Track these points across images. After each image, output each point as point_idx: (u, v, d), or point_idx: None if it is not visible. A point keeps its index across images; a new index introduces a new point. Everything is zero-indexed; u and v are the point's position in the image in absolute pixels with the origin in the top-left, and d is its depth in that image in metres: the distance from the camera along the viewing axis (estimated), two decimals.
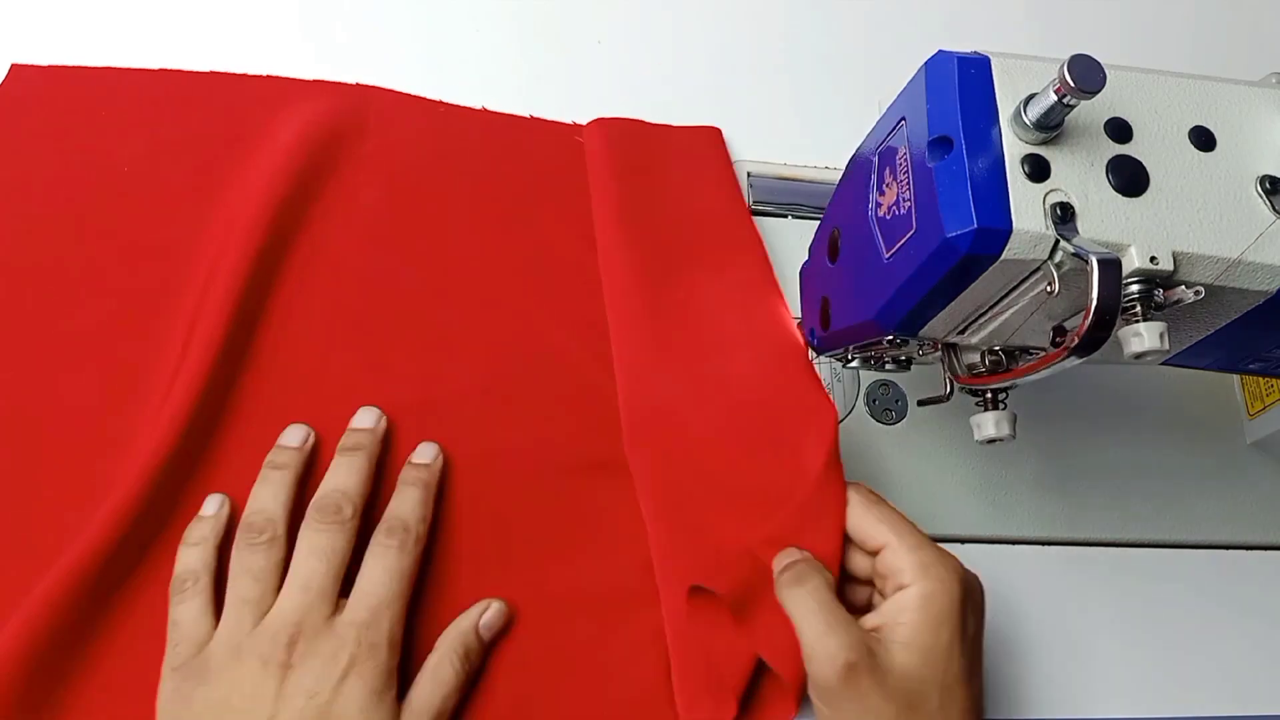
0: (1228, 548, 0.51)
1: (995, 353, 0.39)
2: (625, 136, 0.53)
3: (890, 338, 0.38)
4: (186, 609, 0.38)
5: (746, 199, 0.54)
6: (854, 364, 0.45)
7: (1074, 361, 0.32)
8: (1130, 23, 0.65)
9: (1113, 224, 0.31)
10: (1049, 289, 0.32)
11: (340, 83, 0.51)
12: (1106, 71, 0.29)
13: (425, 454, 0.43)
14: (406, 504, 0.41)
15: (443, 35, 0.55)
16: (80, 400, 0.42)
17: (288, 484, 0.41)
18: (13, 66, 0.49)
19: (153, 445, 0.40)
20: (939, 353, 0.41)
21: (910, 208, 0.34)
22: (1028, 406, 0.50)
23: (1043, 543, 0.49)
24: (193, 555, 0.39)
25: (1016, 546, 0.49)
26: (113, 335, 0.43)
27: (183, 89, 0.50)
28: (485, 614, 0.41)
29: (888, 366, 0.45)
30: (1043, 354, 0.36)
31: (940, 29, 0.62)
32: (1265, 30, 0.67)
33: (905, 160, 0.34)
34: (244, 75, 0.51)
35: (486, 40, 0.56)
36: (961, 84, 0.32)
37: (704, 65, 0.58)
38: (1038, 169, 0.31)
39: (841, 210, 0.42)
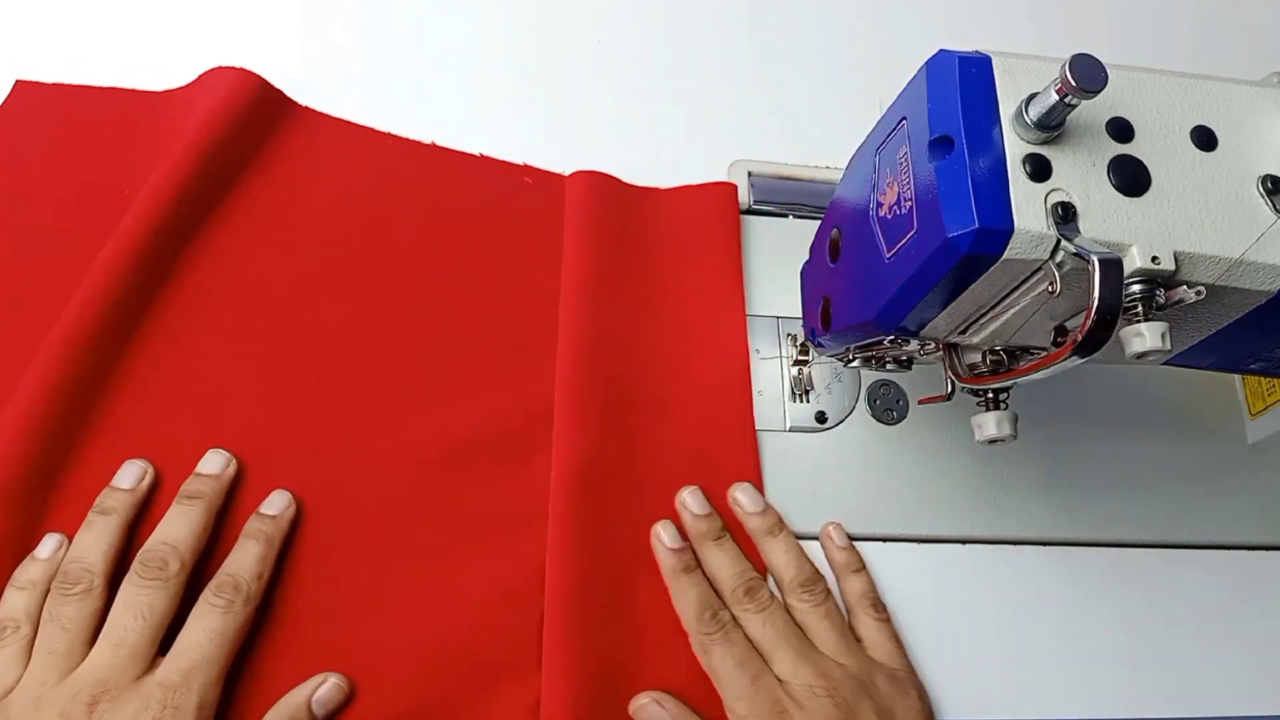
0: (1228, 548, 0.51)
1: (996, 353, 0.39)
2: (611, 196, 0.51)
3: (891, 338, 0.38)
4: (1, 655, 0.36)
5: (746, 199, 0.54)
6: (855, 364, 0.45)
7: (1075, 361, 0.32)
8: (1131, 22, 0.65)
9: (1114, 224, 0.31)
10: (1050, 289, 0.32)
11: (345, 122, 0.51)
12: (1108, 71, 0.29)
13: (275, 504, 0.41)
14: (244, 560, 0.39)
15: (443, 35, 0.55)
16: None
17: (112, 530, 0.39)
18: (17, 83, 0.48)
19: None
20: (940, 353, 0.41)
21: (911, 207, 0.33)
22: (1029, 406, 0.50)
23: (1043, 543, 0.49)
24: (18, 600, 0.38)
25: (1017, 547, 0.49)
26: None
27: (186, 108, 0.49)
28: (321, 688, 0.38)
29: (889, 366, 0.45)
30: (1044, 354, 0.35)
31: (941, 28, 0.62)
32: (1265, 30, 0.67)
33: (906, 160, 0.34)
34: (248, 100, 0.49)
35: (486, 40, 0.56)
36: (963, 83, 0.32)
37: (704, 65, 0.58)
38: (1039, 169, 0.31)
39: (842, 210, 0.42)
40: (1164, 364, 0.39)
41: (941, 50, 0.34)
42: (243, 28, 0.53)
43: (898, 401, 0.50)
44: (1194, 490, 0.51)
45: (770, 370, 0.50)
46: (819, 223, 0.45)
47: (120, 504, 0.40)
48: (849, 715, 0.39)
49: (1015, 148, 0.32)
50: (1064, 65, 0.29)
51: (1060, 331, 0.36)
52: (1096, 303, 0.30)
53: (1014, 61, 0.33)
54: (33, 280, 0.44)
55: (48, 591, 0.38)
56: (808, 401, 0.49)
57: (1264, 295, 0.33)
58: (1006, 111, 0.32)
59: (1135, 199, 0.32)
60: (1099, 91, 0.29)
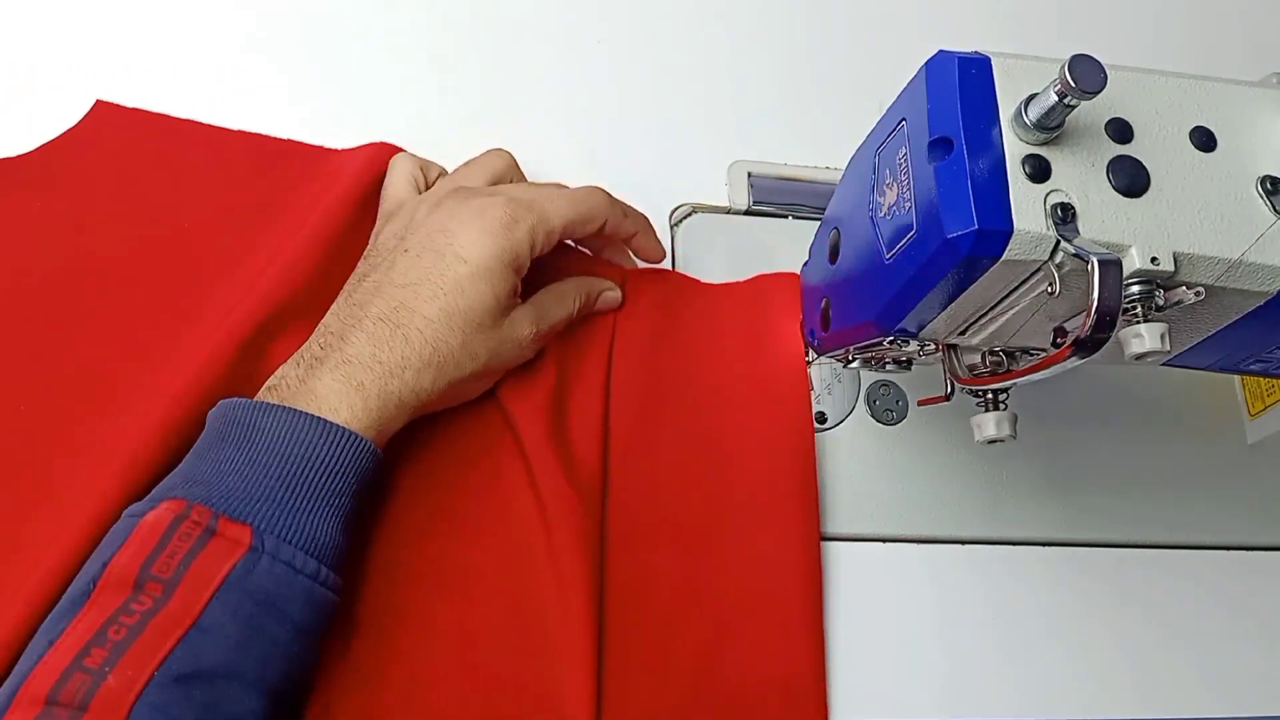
0: (1228, 548, 0.51)
1: (996, 353, 0.39)
2: (671, 293, 0.50)
3: (891, 338, 0.38)
4: (397, 173, 0.46)
5: (746, 199, 0.54)
6: (855, 364, 0.45)
7: (1075, 362, 0.32)
8: (1131, 23, 0.65)
9: (1113, 224, 0.31)
10: (1050, 290, 0.32)
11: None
12: (1107, 72, 0.29)
13: None
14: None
15: (442, 35, 0.55)
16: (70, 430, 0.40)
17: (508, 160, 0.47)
18: (97, 102, 0.47)
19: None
20: (940, 353, 0.41)
21: (911, 208, 0.34)
22: (1028, 407, 0.50)
23: (1043, 543, 0.49)
24: (401, 183, 0.46)
25: (1017, 547, 0.49)
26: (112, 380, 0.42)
27: (254, 150, 0.48)
28: (608, 290, 0.47)
29: (888, 367, 0.45)
30: (1044, 355, 0.36)
31: (941, 29, 0.62)
32: (1265, 30, 0.67)
33: (906, 161, 0.34)
34: (315, 148, 0.49)
35: (486, 40, 0.56)
36: (962, 84, 0.32)
37: (704, 65, 0.58)
38: (1038, 169, 0.31)
39: (842, 211, 0.42)
40: (1164, 364, 0.40)
41: (941, 51, 0.34)
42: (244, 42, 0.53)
43: (897, 402, 0.50)
44: (1194, 490, 0.51)
45: None
46: (819, 223, 0.45)
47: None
48: None
49: (1015, 149, 0.32)
50: (1063, 66, 0.29)
51: (1060, 332, 0.36)
52: (1096, 304, 0.30)
53: (1013, 62, 0.33)
54: (78, 306, 0.43)
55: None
56: None
57: (1263, 296, 0.33)
58: (1006, 112, 0.32)
59: (1134, 200, 0.32)
60: (1098, 92, 0.29)
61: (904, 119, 0.35)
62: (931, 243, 0.32)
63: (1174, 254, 0.31)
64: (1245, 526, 0.51)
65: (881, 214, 0.36)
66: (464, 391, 0.42)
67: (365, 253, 0.43)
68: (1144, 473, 0.51)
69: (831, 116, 0.57)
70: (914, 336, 0.38)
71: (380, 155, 0.48)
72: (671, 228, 0.53)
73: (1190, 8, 0.66)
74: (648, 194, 0.53)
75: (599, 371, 0.46)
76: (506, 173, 0.46)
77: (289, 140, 0.49)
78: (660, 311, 0.48)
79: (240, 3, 0.53)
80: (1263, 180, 0.33)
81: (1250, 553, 0.51)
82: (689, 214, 0.53)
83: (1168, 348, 0.31)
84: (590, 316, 0.47)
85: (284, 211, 0.47)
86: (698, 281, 0.50)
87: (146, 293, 0.44)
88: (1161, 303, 0.32)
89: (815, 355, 0.47)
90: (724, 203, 0.54)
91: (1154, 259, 0.31)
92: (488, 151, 0.47)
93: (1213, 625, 0.48)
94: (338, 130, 0.51)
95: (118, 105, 0.48)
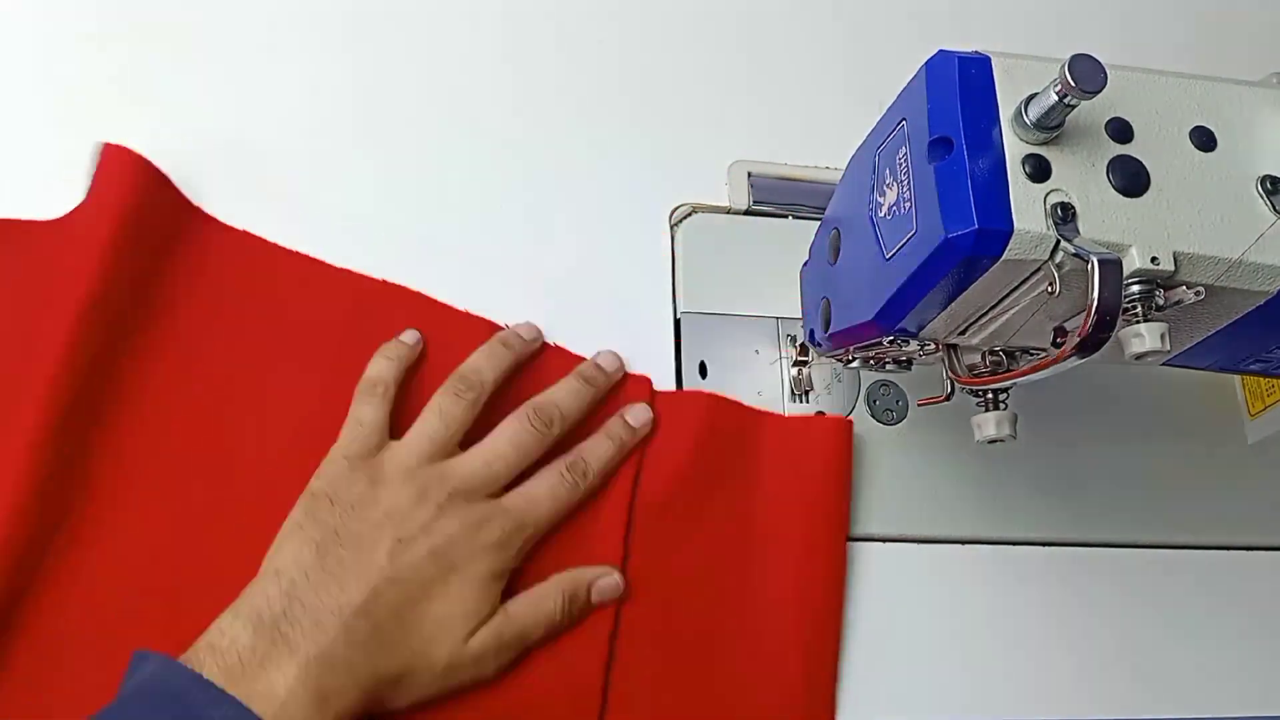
0: (1228, 548, 0.51)
1: (996, 353, 0.39)
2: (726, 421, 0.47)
3: (891, 338, 0.38)
4: (371, 411, 0.42)
5: (747, 199, 0.54)
6: (854, 364, 0.45)
7: (1075, 362, 0.32)
8: (1131, 23, 0.65)
9: (1113, 224, 0.31)
10: (1050, 289, 0.32)
11: (384, 283, 0.47)
12: (1107, 71, 0.29)
13: (638, 417, 0.45)
14: (598, 450, 0.44)
15: (442, 35, 0.55)
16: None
17: (509, 360, 0.44)
18: (105, 146, 0.45)
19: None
20: (940, 353, 0.41)
21: (910, 208, 0.34)
22: (1028, 406, 0.50)
23: (1043, 543, 0.49)
24: (385, 367, 0.43)
25: (1017, 547, 0.49)
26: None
27: (253, 256, 0.46)
28: (603, 579, 0.42)
29: (888, 367, 0.45)
30: (1044, 354, 0.36)
31: (941, 29, 0.62)
32: (1265, 30, 0.67)
33: (905, 160, 0.34)
34: (301, 256, 0.47)
35: (486, 40, 0.56)
36: (962, 84, 0.32)
37: (704, 65, 0.58)
38: (1038, 169, 0.31)
39: (842, 211, 0.42)
40: (1164, 364, 0.39)
41: (941, 51, 0.34)
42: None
43: (897, 402, 0.50)
44: (1194, 490, 0.51)
45: (770, 371, 0.50)
46: (819, 223, 0.45)
47: (518, 345, 0.45)
48: None
49: (1015, 148, 0.32)
50: (1063, 66, 0.29)
51: (1060, 332, 0.36)
52: (1096, 303, 0.30)
53: (1013, 62, 0.33)
54: (60, 357, 0.41)
55: (404, 370, 0.44)
56: (807, 402, 0.50)
57: (1263, 296, 0.33)
58: (1006, 112, 0.32)
59: (1135, 199, 0.32)
60: (1098, 92, 0.29)
61: (904, 119, 0.35)
62: (931, 242, 0.32)
63: (1174, 254, 0.31)
64: (1245, 526, 0.51)
65: (881, 214, 0.36)
66: (395, 708, 0.39)
67: (332, 486, 0.39)
68: (1144, 473, 0.51)
69: (831, 116, 0.57)
70: (914, 336, 0.38)
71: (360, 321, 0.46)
72: (671, 228, 0.53)
73: (1190, 8, 0.66)
74: (648, 194, 0.53)
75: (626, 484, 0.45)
76: (514, 363, 0.45)
77: (296, 253, 0.47)
78: (694, 438, 0.46)
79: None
80: (1263, 180, 0.33)
81: (1250, 553, 0.51)
82: (689, 214, 0.53)
83: (1168, 348, 0.31)
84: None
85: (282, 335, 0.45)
86: (740, 407, 0.48)
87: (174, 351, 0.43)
88: (1161, 302, 0.32)
89: (815, 355, 0.47)
90: (724, 203, 0.54)
91: (1154, 259, 0.31)
92: (489, 347, 0.45)
93: (1213, 625, 0.48)
94: (335, 130, 0.51)
95: (130, 151, 0.45)
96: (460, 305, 0.48)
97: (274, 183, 0.49)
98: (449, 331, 0.46)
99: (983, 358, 0.39)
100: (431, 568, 0.39)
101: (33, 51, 0.49)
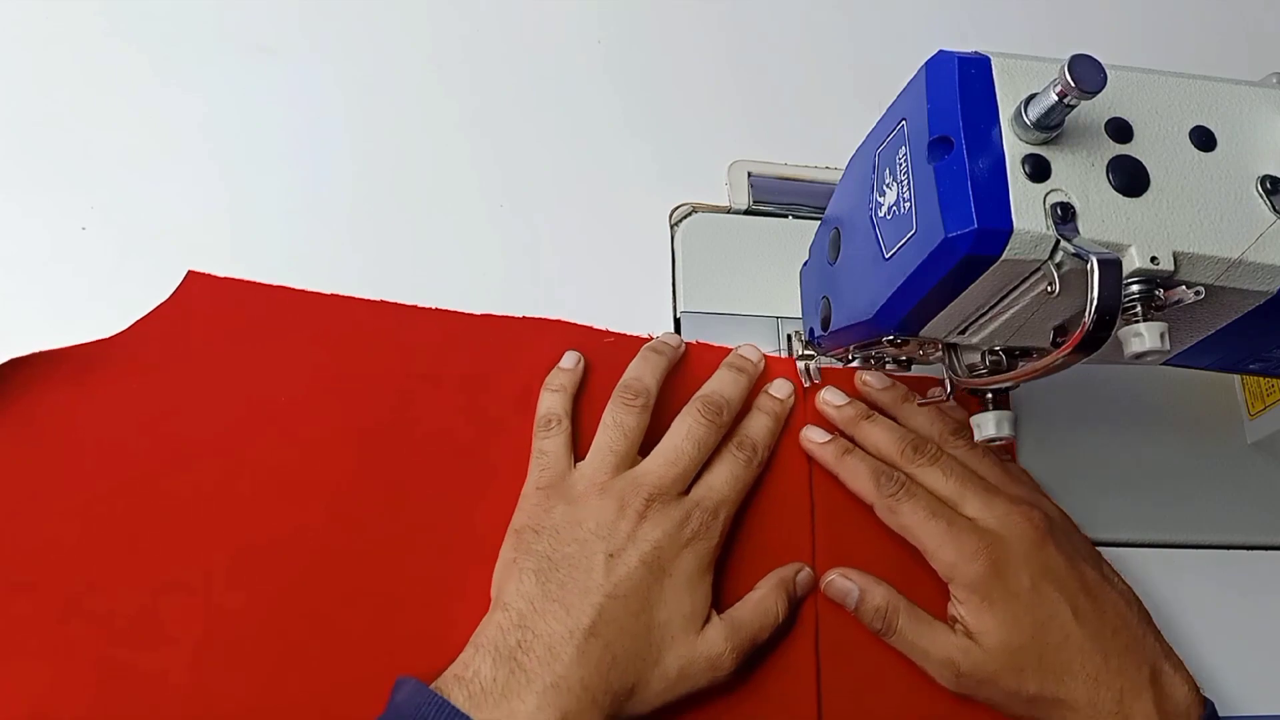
0: (1228, 548, 0.51)
1: (996, 353, 0.39)
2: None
3: (890, 338, 0.38)
4: (553, 442, 0.43)
5: (747, 199, 0.54)
6: (854, 363, 0.45)
7: (1075, 361, 0.32)
8: (1130, 22, 0.65)
9: (1113, 224, 0.31)
10: (1049, 289, 0.32)
11: (508, 317, 0.48)
12: (1107, 71, 0.29)
13: (782, 390, 0.47)
14: (759, 426, 0.45)
15: (441, 35, 0.55)
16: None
17: (664, 365, 0.46)
18: (189, 273, 0.46)
19: None
20: (939, 353, 0.41)
21: (910, 208, 0.34)
22: (1028, 406, 0.50)
23: None
24: (555, 400, 0.45)
25: None
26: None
27: (354, 317, 0.47)
28: (800, 573, 0.44)
29: (888, 366, 0.45)
30: (1043, 354, 0.36)
31: (940, 29, 0.62)
32: (1265, 30, 0.67)
33: (905, 160, 0.34)
34: (415, 309, 0.47)
35: (485, 40, 0.56)
36: (962, 84, 0.32)
37: (704, 65, 0.58)
38: (1038, 169, 0.31)
39: (842, 210, 0.42)
40: (1164, 364, 0.40)
41: (941, 51, 0.34)
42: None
43: None
44: (1194, 490, 0.51)
45: None
46: (819, 223, 0.45)
47: (666, 350, 0.46)
48: (1045, 534, 0.42)
49: (1014, 148, 0.32)
50: (1063, 66, 0.29)
51: (1059, 332, 0.36)
52: (1095, 303, 0.30)
53: (1013, 62, 0.33)
54: (177, 480, 0.42)
55: (574, 396, 0.45)
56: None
57: (1263, 295, 0.33)
58: (1006, 112, 0.32)
59: (1134, 199, 0.32)
60: (1098, 92, 0.29)
61: (904, 119, 0.35)
62: (931, 242, 0.32)
63: (1174, 253, 0.31)
64: (1245, 526, 0.51)
65: (881, 213, 0.36)
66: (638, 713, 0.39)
67: (534, 518, 0.41)
68: (1144, 473, 0.51)
69: (831, 116, 0.57)
70: (914, 336, 0.38)
71: (513, 337, 0.47)
72: (671, 228, 0.53)
73: (1190, 8, 0.66)
74: (648, 194, 0.53)
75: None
76: (668, 367, 0.46)
77: (384, 302, 0.47)
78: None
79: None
80: (1262, 180, 0.33)
81: (1250, 552, 0.51)
82: (689, 214, 0.53)
83: (1167, 347, 0.31)
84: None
85: (403, 388, 0.46)
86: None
87: (246, 471, 0.43)
88: (1161, 302, 0.32)
89: (815, 355, 0.47)
90: (724, 203, 0.54)
91: (1154, 258, 0.31)
92: (643, 355, 0.46)
93: (1213, 625, 0.48)
94: (335, 131, 0.51)
95: (210, 275, 0.46)
96: (461, 305, 0.48)
97: (271, 181, 0.49)
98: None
99: (982, 358, 0.39)
100: (647, 576, 0.39)
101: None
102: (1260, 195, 0.33)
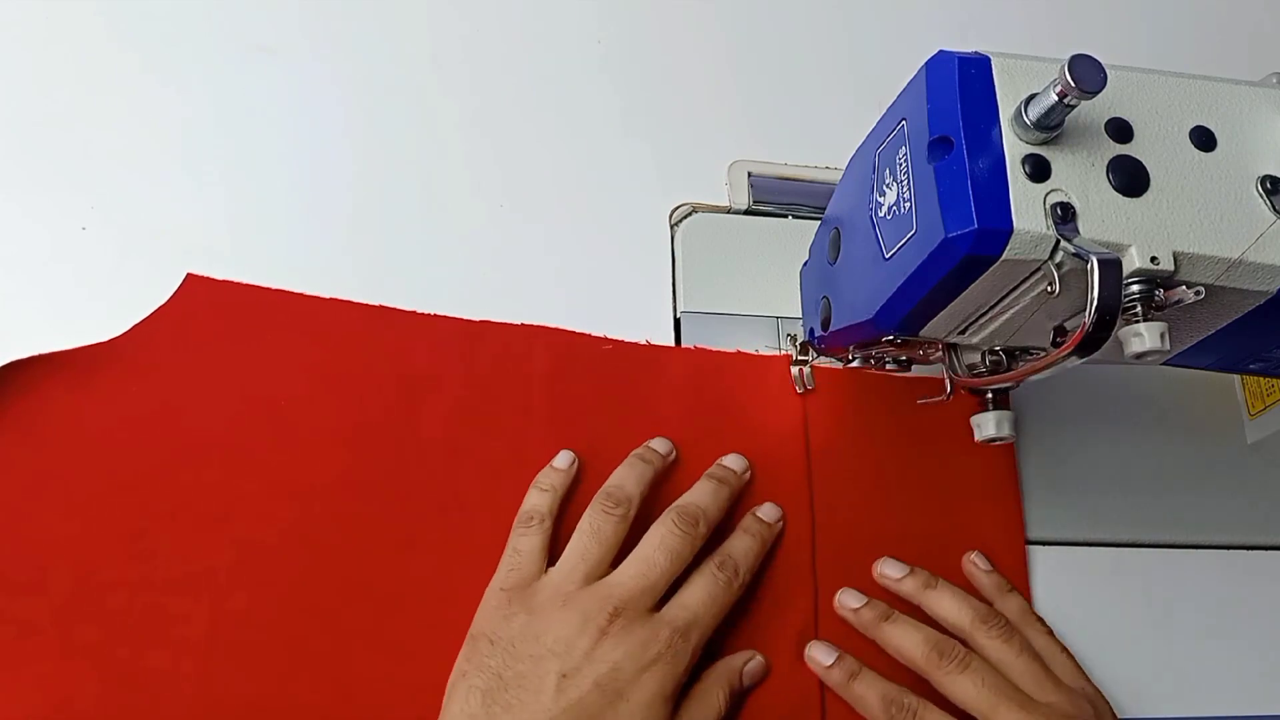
0: (1228, 548, 0.51)
1: (996, 353, 0.39)
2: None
3: (891, 338, 0.38)
4: (528, 541, 0.42)
5: (747, 199, 0.54)
6: (854, 364, 0.45)
7: (1075, 361, 0.32)
8: (1130, 23, 0.65)
9: (1113, 224, 0.31)
10: (1049, 289, 0.32)
11: (505, 324, 0.48)
12: (1107, 71, 0.29)
13: (770, 514, 0.45)
14: (741, 547, 0.43)
15: (441, 35, 0.55)
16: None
17: (649, 475, 0.44)
18: (188, 276, 0.46)
19: None
20: (939, 353, 0.41)
21: (910, 208, 0.34)
22: (1028, 406, 0.50)
23: (1043, 543, 0.49)
24: (542, 499, 0.43)
25: None
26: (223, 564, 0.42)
27: (352, 322, 0.47)
28: (749, 662, 0.42)
29: (888, 366, 0.45)
30: (1043, 354, 0.36)
31: (941, 28, 0.62)
32: (1265, 30, 0.67)
33: (905, 160, 0.34)
34: (414, 314, 0.47)
35: (485, 40, 0.56)
36: (962, 84, 0.32)
37: (704, 65, 0.58)
38: (1038, 169, 0.31)
39: (842, 210, 0.42)
40: (1164, 364, 0.40)
41: (941, 51, 0.34)
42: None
43: None
44: (1194, 490, 0.51)
45: None
46: (819, 223, 0.45)
47: (654, 460, 0.45)
48: None
49: (1014, 148, 0.32)
50: (1063, 66, 0.29)
51: (1059, 331, 0.36)
52: (1095, 303, 0.30)
53: (1013, 62, 0.33)
54: (179, 481, 0.42)
55: (562, 499, 0.44)
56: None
57: (1263, 295, 0.33)
58: (1006, 112, 0.32)
59: (1134, 199, 0.32)
60: (1098, 92, 0.29)
61: (904, 119, 0.35)
62: (931, 242, 0.32)
63: (1174, 253, 0.31)
64: (1245, 526, 0.51)
65: (881, 214, 0.36)
66: None
67: (492, 626, 0.40)
68: (1144, 473, 0.51)
69: (831, 116, 0.57)
70: (914, 336, 0.38)
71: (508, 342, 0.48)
72: (671, 228, 0.53)
73: (1190, 8, 0.66)
74: (648, 194, 0.53)
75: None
76: (654, 477, 0.45)
77: (383, 307, 0.47)
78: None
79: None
80: (1262, 180, 0.33)
81: (1250, 552, 0.51)
82: (689, 214, 0.53)
83: (1168, 347, 0.31)
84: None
85: (400, 393, 0.46)
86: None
87: (247, 472, 0.43)
88: (1161, 302, 0.32)
89: (815, 355, 0.47)
90: (724, 203, 0.54)
91: (1154, 258, 0.31)
92: (630, 462, 0.45)
93: (1213, 625, 0.48)
94: (334, 131, 0.51)
95: (208, 278, 0.46)
96: (461, 305, 0.48)
97: (271, 181, 0.49)
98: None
99: (983, 357, 0.39)
100: (599, 700, 0.37)
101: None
102: (1260, 195, 0.33)
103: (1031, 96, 0.31)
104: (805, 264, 0.48)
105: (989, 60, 0.33)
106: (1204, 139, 0.33)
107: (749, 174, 0.54)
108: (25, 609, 0.39)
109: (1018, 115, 0.32)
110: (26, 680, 0.38)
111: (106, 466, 0.42)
